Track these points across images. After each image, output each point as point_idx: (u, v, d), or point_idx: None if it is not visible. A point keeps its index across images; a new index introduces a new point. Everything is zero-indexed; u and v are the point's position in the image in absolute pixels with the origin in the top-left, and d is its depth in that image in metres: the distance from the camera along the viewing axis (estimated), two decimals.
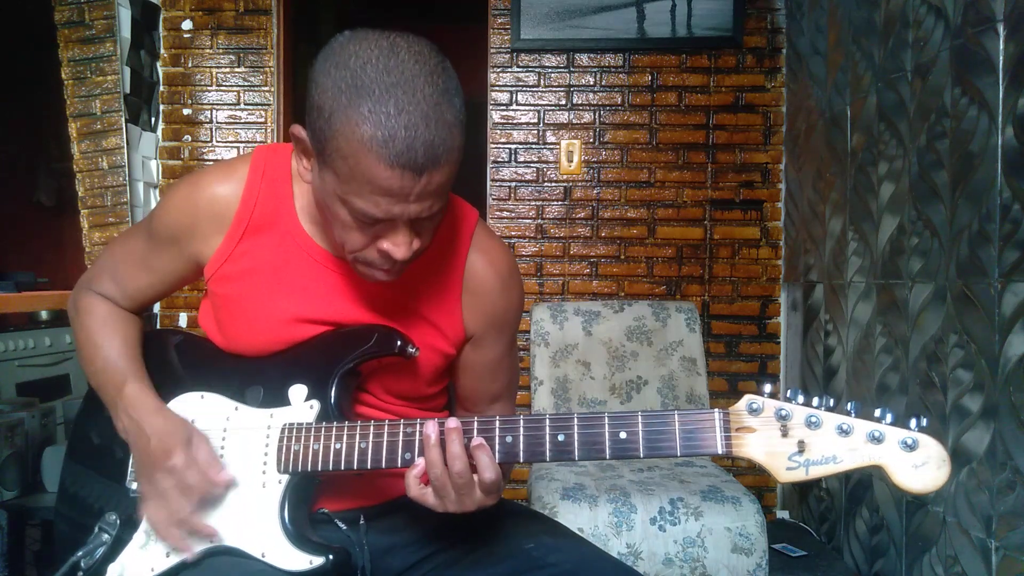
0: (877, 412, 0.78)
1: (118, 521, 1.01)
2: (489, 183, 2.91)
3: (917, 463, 0.75)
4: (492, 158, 2.91)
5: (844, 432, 0.78)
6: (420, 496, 0.90)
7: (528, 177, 2.90)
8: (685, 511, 1.88)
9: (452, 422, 0.88)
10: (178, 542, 0.95)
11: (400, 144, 0.79)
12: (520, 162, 2.90)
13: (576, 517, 1.89)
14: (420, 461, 0.89)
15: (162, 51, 2.94)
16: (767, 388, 0.81)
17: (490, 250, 1.06)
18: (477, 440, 0.87)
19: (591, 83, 2.89)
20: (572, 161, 2.88)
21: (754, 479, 2.86)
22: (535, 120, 2.90)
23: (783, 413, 0.79)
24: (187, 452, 0.95)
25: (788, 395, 0.80)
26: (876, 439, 0.77)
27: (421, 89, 0.80)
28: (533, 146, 2.90)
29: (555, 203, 2.90)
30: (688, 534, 1.87)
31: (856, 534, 2.20)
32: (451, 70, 0.85)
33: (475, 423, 0.89)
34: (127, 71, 2.74)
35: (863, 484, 2.16)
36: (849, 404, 0.79)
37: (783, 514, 2.72)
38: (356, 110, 0.79)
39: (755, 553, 1.86)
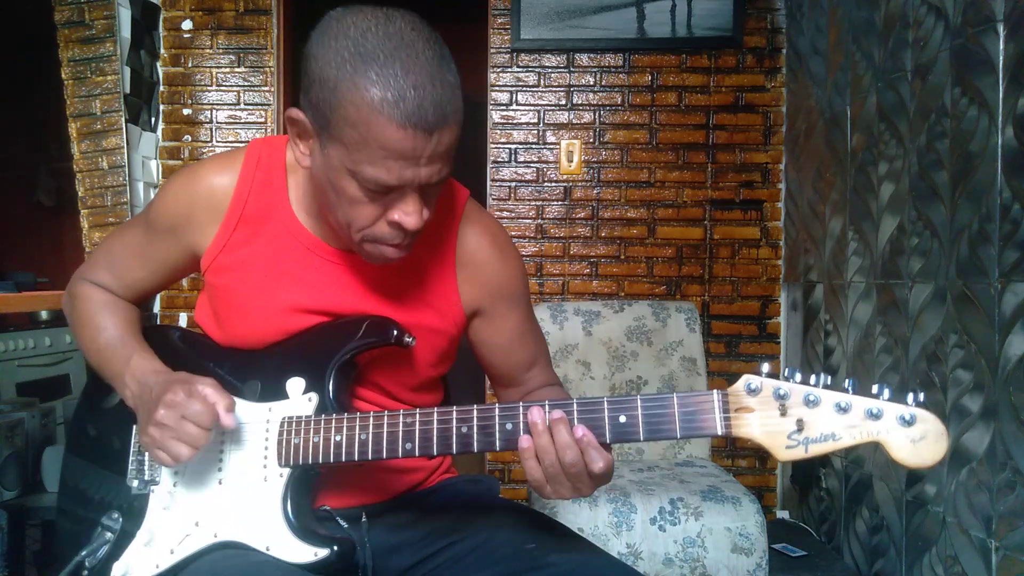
0: (875, 388, 0.78)
1: (120, 519, 1.02)
2: (489, 183, 2.91)
3: (915, 438, 0.75)
4: (492, 158, 2.91)
5: (842, 409, 0.77)
6: (539, 483, 0.85)
7: (528, 177, 2.90)
8: (685, 511, 1.88)
9: (557, 412, 0.84)
10: (168, 448, 0.92)
11: (411, 103, 0.80)
12: (520, 162, 2.90)
13: (576, 517, 1.89)
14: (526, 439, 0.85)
15: (162, 51, 2.94)
16: (765, 368, 0.81)
17: (480, 221, 1.07)
18: (578, 429, 0.83)
19: (591, 83, 2.89)
20: (572, 161, 2.88)
21: (754, 479, 2.86)
22: (535, 120, 2.90)
23: (781, 392, 0.79)
24: (189, 388, 0.92)
25: (786, 374, 0.80)
26: (874, 415, 0.77)
27: (422, 52, 0.82)
28: (533, 146, 2.90)
29: (555, 203, 2.89)
30: (688, 534, 1.87)
31: (856, 534, 2.20)
32: (442, 40, 0.87)
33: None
34: (127, 71, 2.74)
35: (863, 484, 2.16)
36: (847, 381, 0.78)
37: (783, 514, 2.72)
38: (363, 75, 0.80)
39: (755, 553, 1.86)
